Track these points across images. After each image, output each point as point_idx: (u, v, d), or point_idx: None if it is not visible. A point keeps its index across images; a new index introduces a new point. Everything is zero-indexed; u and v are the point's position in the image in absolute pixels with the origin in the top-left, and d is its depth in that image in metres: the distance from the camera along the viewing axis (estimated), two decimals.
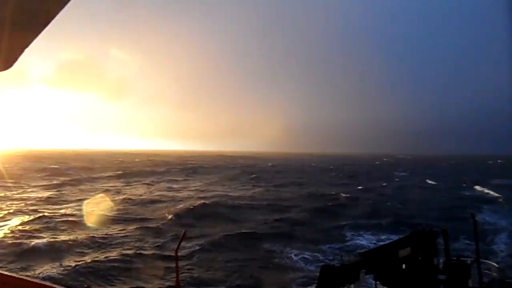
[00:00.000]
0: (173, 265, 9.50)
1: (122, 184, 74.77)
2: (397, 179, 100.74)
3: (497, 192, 64.33)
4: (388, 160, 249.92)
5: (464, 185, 79.60)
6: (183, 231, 8.90)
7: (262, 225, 38.54)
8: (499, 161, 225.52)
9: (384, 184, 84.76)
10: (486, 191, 67.47)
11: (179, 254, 8.77)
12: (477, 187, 73.22)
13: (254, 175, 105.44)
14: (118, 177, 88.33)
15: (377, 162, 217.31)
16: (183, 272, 23.16)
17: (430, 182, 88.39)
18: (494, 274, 13.63)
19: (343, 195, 61.91)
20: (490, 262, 14.59)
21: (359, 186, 79.68)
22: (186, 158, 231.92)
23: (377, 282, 13.52)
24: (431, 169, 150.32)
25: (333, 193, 65.05)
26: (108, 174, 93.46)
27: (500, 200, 55.55)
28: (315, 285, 9.36)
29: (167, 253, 26.33)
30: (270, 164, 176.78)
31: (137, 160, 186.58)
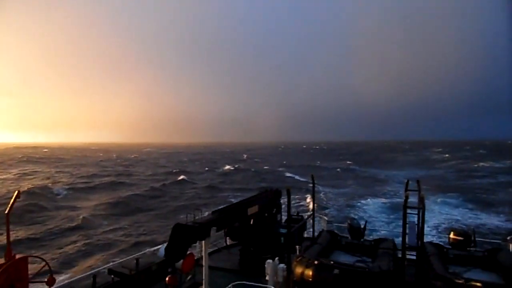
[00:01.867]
0: None
1: None
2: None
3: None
4: (236, 148, 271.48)
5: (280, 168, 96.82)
6: (16, 191, 7.11)
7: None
8: (323, 147, 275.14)
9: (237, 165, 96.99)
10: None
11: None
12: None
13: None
14: None
15: (228, 150, 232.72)
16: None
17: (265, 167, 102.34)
18: (324, 226, 15.79)
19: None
20: (322, 216, 16.86)
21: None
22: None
23: (227, 238, 13.99)
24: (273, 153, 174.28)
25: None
26: None
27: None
28: (166, 243, 8.95)
29: None
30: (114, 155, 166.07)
31: None
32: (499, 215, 36.80)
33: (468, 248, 11.27)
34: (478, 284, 7.92)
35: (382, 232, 22.41)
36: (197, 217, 9.45)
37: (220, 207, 11.01)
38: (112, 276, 9.36)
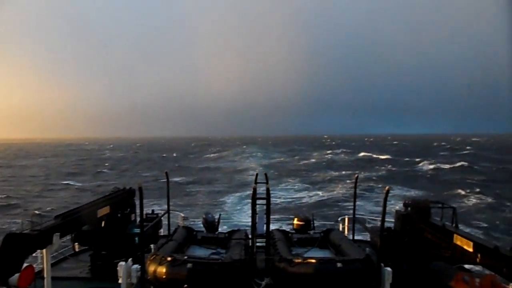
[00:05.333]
0: None
1: None
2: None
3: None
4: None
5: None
6: None
7: None
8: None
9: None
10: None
11: None
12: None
13: None
14: None
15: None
16: None
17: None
18: (180, 222, 15.98)
19: None
20: (178, 213, 16.96)
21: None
22: None
23: (76, 243, 12.67)
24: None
25: None
26: None
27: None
28: None
29: None
30: None
31: None
32: (321, 190, 48.97)
33: (308, 231, 13.04)
34: (313, 260, 9.07)
35: (236, 223, 23.86)
36: (36, 223, 8.34)
37: (64, 211, 9.92)
38: None
